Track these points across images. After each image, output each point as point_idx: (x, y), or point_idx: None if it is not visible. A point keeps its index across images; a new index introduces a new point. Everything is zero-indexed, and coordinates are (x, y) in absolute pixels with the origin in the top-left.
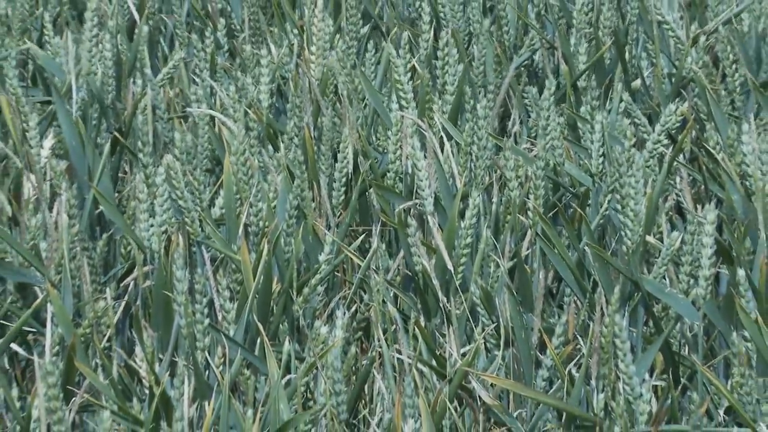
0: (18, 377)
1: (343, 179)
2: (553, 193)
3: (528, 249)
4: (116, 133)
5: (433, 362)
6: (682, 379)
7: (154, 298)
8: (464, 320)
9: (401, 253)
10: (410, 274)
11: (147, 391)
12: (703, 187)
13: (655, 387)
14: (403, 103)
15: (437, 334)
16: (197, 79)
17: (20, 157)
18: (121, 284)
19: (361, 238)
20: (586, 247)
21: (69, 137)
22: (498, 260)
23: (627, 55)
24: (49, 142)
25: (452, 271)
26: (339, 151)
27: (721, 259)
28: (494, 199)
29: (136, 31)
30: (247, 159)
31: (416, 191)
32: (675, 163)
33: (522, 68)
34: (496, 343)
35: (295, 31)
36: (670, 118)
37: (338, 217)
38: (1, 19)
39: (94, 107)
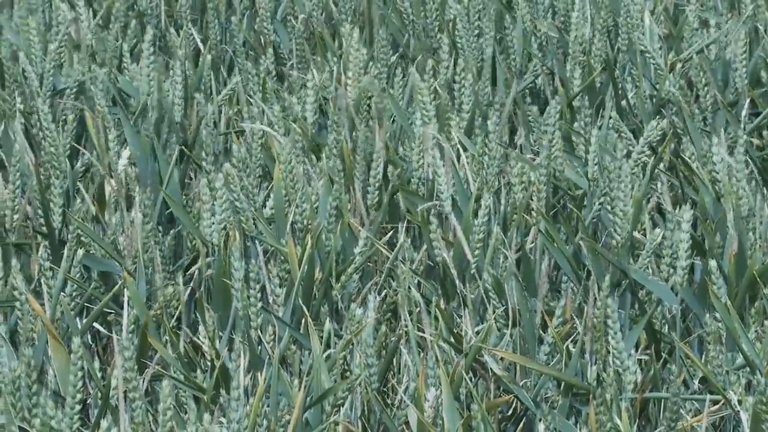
0: (99, 352)
1: (376, 184)
2: (553, 195)
3: (532, 243)
4: (182, 146)
5: (452, 339)
6: (663, 353)
7: (214, 285)
8: (478, 303)
9: (424, 247)
10: (432, 264)
11: (209, 364)
12: (680, 191)
13: (639, 360)
14: (426, 120)
15: (455, 315)
16: (251, 100)
17: (103, 165)
18: (187, 273)
19: (390, 234)
20: (581, 242)
21: (135, 149)
22: (506, 253)
23: (615, 80)
24: (126, 152)
25: (469, 261)
26: (372, 161)
27: (696, 251)
28: (503, 201)
29: (201, 58)
30: (293, 167)
31: (436, 194)
32: (656, 170)
33: (526, 90)
34: (505, 323)
35: (335, 59)
36: (652, 133)
37: (371, 217)
38: (89, 50)
39: (165, 123)
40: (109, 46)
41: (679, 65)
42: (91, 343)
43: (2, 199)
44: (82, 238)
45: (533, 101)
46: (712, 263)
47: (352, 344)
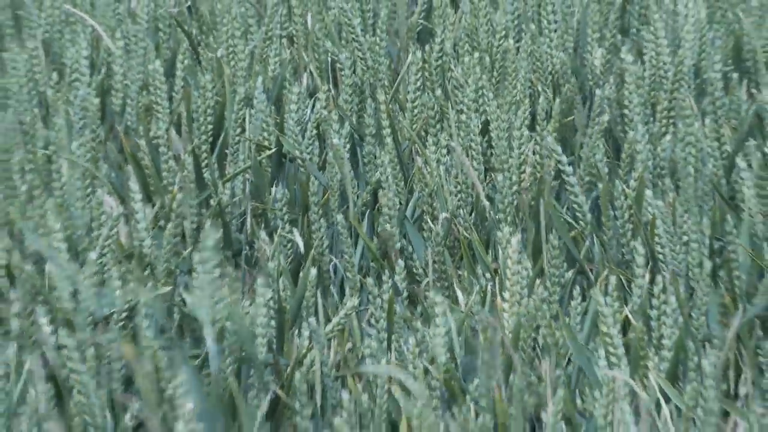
0: None
1: None
2: None
3: None
4: (279, 391)
5: None
6: None
7: None
8: None
9: None
10: None
11: None
12: None
13: None
14: (614, 359)
15: None
16: (372, 331)
17: (154, 423)
18: None
19: None
20: None
21: (201, 401)
22: None
23: None
24: (189, 406)
25: None
26: (535, 416)
27: None
28: None
29: (301, 273)
30: (429, 424)
31: None
32: None
33: (755, 319)
34: None
35: (487, 274)
36: None
37: None
38: (144, 260)
39: (248, 364)
40: (173, 255)
41: None
42: None
43: None
44: None
45: (766, 335)
46: None
47: None
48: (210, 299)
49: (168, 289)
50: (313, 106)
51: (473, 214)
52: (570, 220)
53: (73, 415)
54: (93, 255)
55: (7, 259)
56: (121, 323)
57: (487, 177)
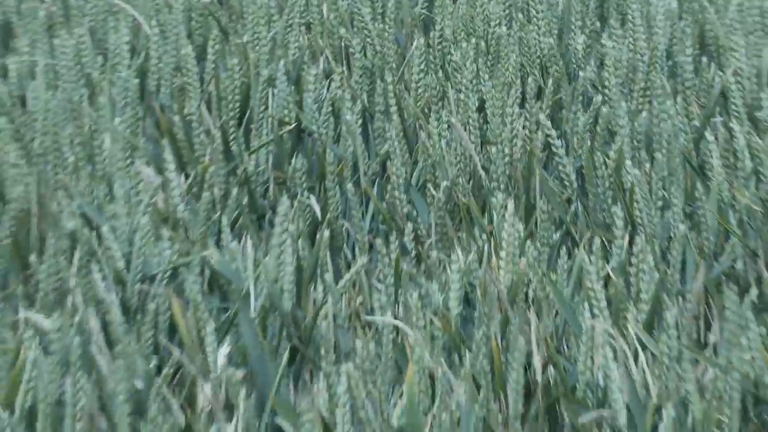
0: None
1: (531, 391)
2: (754, 407)
3: None
4: (297, 341)
5: None
6: None
7: None
8: None
9: None
10: None
11: None
12: None
13: None
14: (596, 312)
15: None
16: (380, 286)
17: (195, 364)
18: None
19: None
20: None
21: (250, 345)
22: None
23: None
24: (225, 349)
25: None
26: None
27: None
28: (690, 413)
29: (318, 235)
30: (430, 369)
31: (608, 403)
32: None
33: (722, 276)
34: None
35: (484, 236)
36: None
37: (525, 430)
38: (179, 223)
39: (274, 315)
40: (205, 219)
41: None
42: None
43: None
44: None
45: (731, 290)
46: None
47: None
48: (251, 259)
49: (200, 249)
50: (329, 86)
51: (471, 182)
52: (558, 190)
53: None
54: (144, 219)
55: (74, 225)
56: (165, 280)
57: (483, 149)
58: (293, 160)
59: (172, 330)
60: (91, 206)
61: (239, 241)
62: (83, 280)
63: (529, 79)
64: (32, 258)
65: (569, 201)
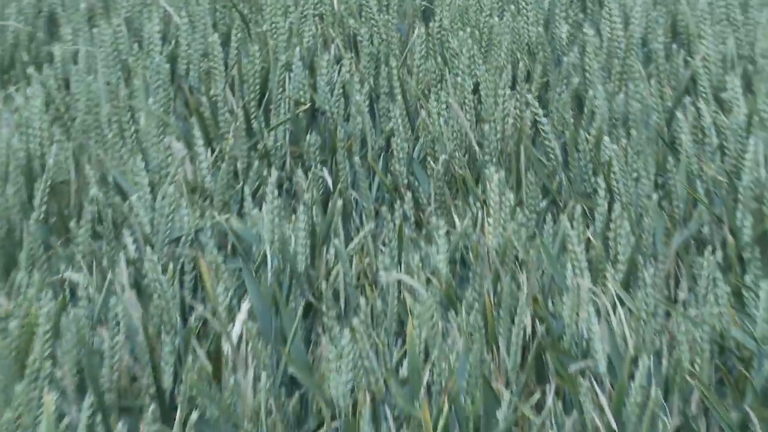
0: None
1: (520, 342)
2: (720, 356)
3: (697, 410)
4: (311, 298)
5: None
6: None
7: None
8: None
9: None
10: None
11: None
12: None
13: None
14: (578, 271)
15: None
16: (385, 249)
17: (219, 320)
18: None
19: (536, 396)
20: (749, 409)
21: (255, 303)
22: (666, 420)
23: None
24: (246, 305)
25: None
26: (516, 316)
27: None
28: (664, 362)
29: (330, 203)
30: (431, 323)
31: (590, 354)
32: None
33: (691, 240)
34: None
35: (477, 204)
36: None
37: (515, 378)
38: (205, 192)
39: (287, 274)
40: (228, 188)
41: None
42: None
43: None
44: (196, 401)
45: (699, 252)
46: None
47: None
48: (269, 224)
49: (224, 215)
50: (339, 71)
51: (466, 156)
52: (544, 163)
53: (152, 316)
54: (170, 189)
55: (104, 197)
56: (190, 243)
57: (478, 126)
58: (308, 137)
59: (195, 288)
60: (124, 176)
61: (260, 209)
62: (116, 242)
63: (519, 64)
64: (71, 224)
65: (554, 173)
